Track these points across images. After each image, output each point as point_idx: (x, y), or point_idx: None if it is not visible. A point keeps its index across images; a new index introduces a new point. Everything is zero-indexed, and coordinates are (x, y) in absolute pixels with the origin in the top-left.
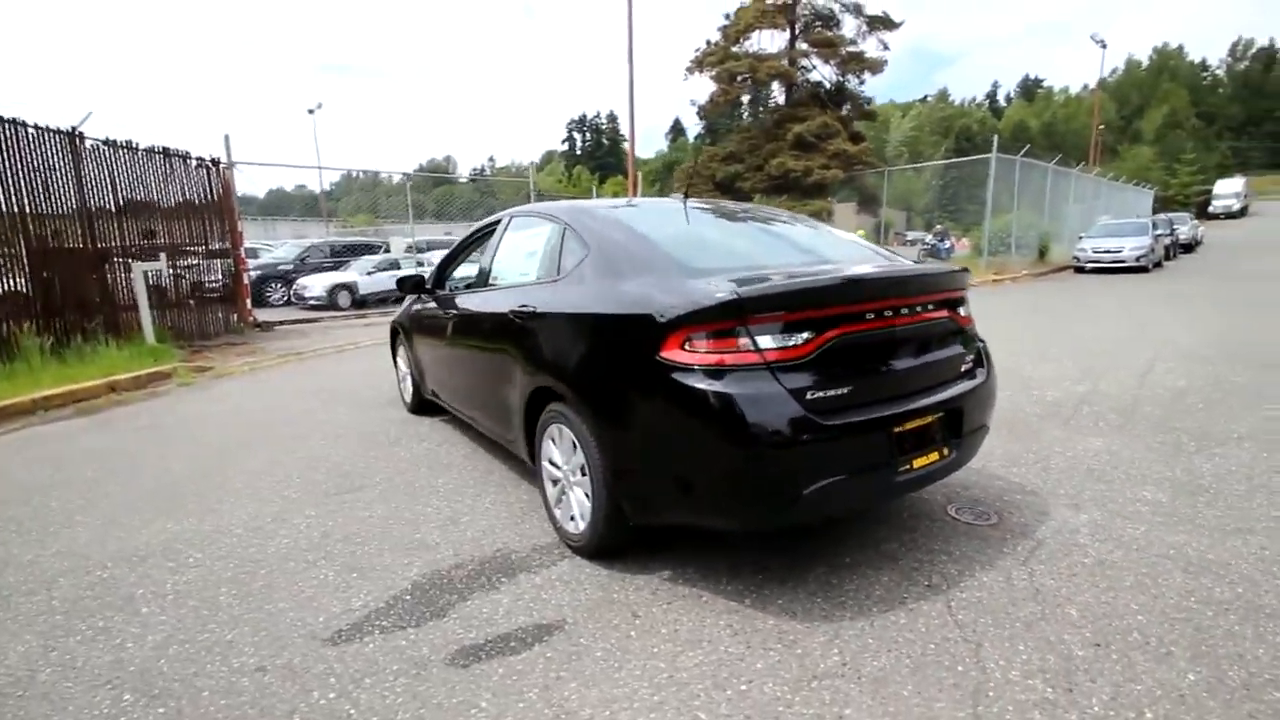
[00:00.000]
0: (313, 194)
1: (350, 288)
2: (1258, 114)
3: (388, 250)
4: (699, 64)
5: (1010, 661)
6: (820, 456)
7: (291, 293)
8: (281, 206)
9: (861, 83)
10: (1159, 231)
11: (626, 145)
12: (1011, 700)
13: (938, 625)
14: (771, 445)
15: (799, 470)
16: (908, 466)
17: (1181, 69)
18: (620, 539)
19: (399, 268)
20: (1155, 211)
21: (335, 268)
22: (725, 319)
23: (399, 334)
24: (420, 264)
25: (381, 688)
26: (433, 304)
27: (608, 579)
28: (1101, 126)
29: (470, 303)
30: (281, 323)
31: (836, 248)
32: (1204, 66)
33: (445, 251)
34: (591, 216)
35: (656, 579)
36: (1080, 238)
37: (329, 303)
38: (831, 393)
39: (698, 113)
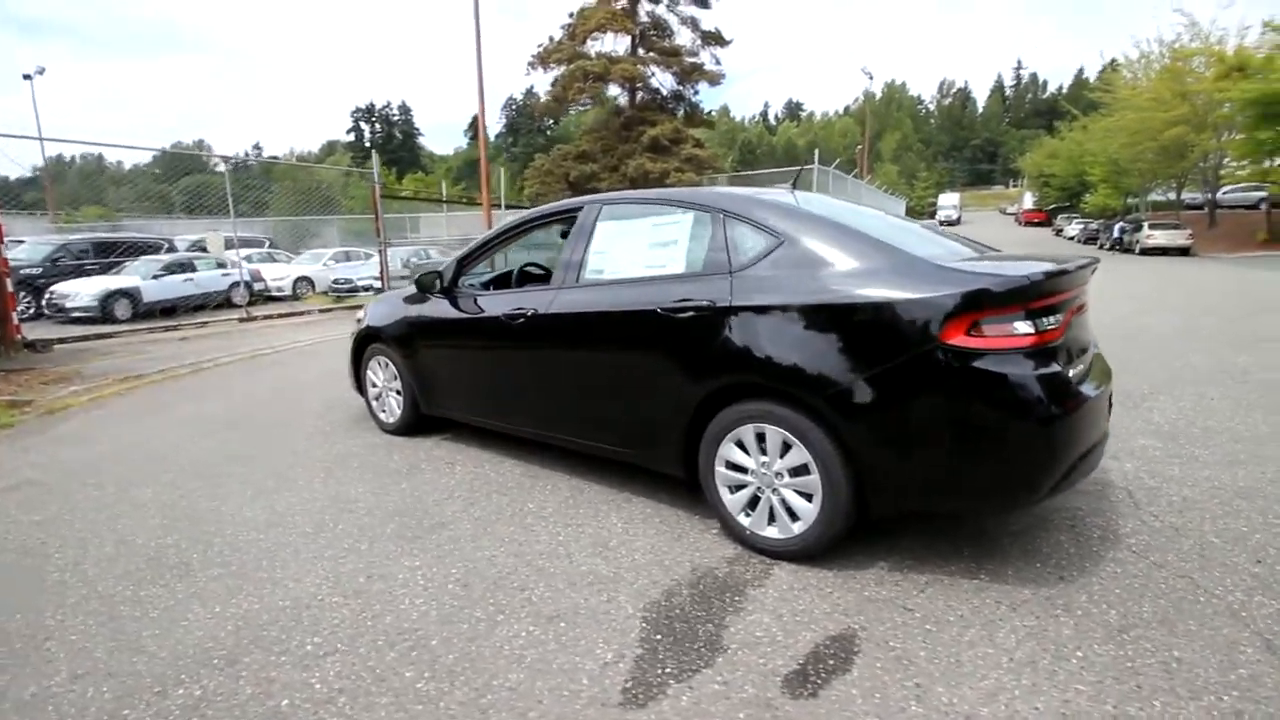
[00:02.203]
0: (3, 179)
1: (131, 295)
2: (959, 142)
3: (172, 249)
4: (542, 60)
5: (1225, 586)
6: (1084, 428)
7: (45, 303)
8: None
9: (696, 93)
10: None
11: (422, 139)
12: (1265, 615)
13: (1145, 567)
14: (1058, 420)
15: (1074, 442)
16: (1108, 431)
17: (905, 102)
18: (843, 536)
19: (194, 269)
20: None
21: (102, 271)
22: (1013, 304)
23: (373, 344)
24: (222, 264)
25: None
26: (448, 306)
27: (839, 579)
28: (860, 146)
29: (551, 303)
30: (61, 341)
31: (949, 235)
32: (919, 101)
33: (257, 250)
34: (760, 205)
35: (881, 571)
36: None
37: (103, 314)
38: (1076, 370)
39: (535, 110)
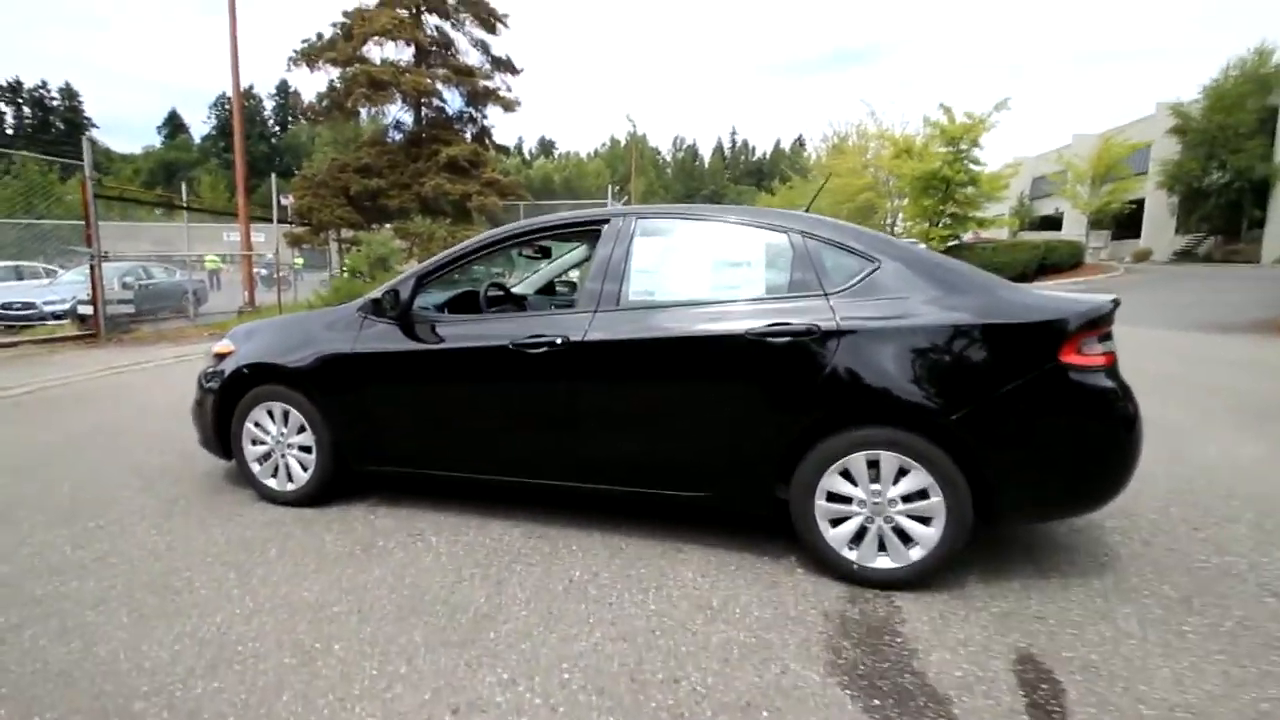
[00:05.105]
0: None
1: None
2: (691, 190)
3: None
4: (308, 58)
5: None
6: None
7: None
8: None
9: (485, 116)
10: None
11: (97, 133)
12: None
13: (1138, 548)
14: (1136, 423)
15: (1141, 442)
16: None
17: (646, 152)
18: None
19: None
20: None
21: None
22: (1104, 325)
23: (260, 387)
24: None
25: None
26: (406, 334)
27: (959, 601)
28: (617, 187)
29: (588, 328)
30: None
31: None
32: (658, 152)
33: None
34: (840, 228)
35: (977, 587)
36: None
37: None
38: None
39: (304, 112)
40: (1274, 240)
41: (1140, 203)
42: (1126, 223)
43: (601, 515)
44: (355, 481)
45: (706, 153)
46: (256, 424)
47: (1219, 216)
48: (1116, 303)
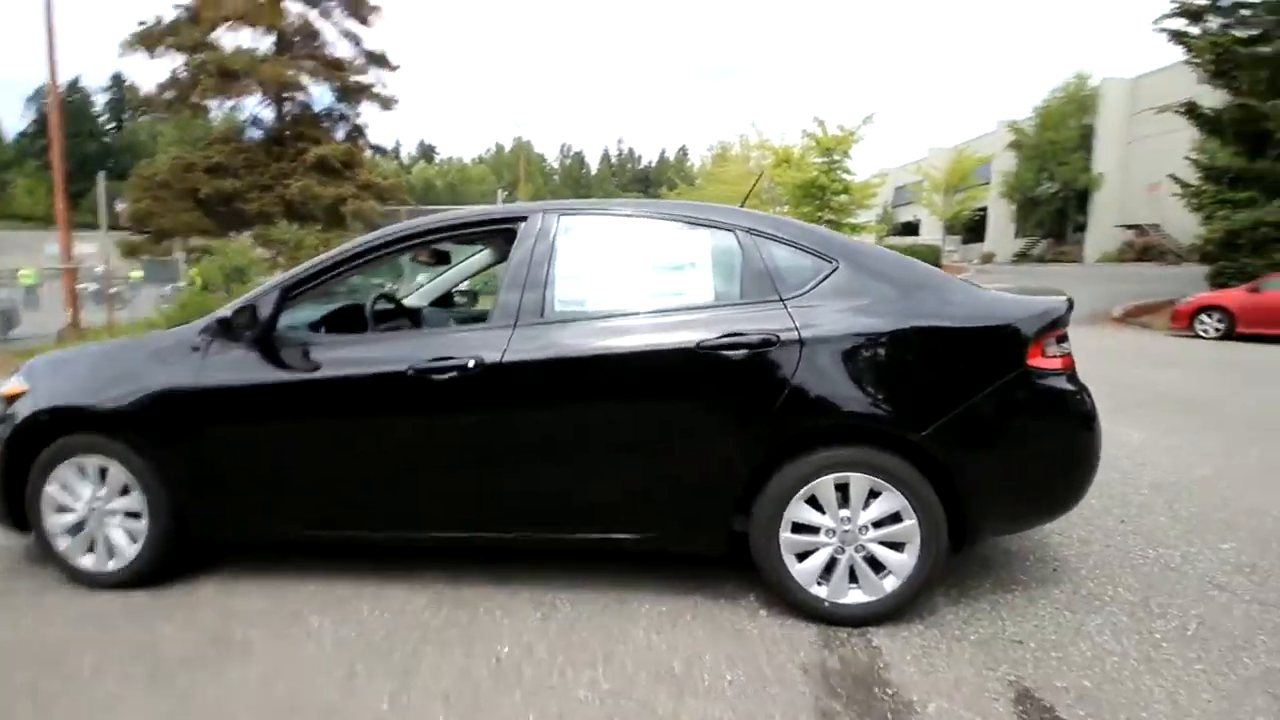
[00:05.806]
0: None
1: None
2: (580, 195)
3: None
4: (146, 42)
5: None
6: None
7: None
8: None
9: (359, 115)
10: None
11: None
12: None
13: (1105, 552)
14: (1098, 426)
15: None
16: None
17: (533, 158)
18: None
19: None
20: None
21: None
22: (1062, 326)
23: (67, 438)
24: None
25: None
26: (268, 361)
27: (934, 631)
28: (505, 192)
29: (506, 347)
30: None
31: None
32: (544, 159)
33: None
34: (793, 225)
35: (948, 609)
36: None
37: None
38: None
39: (143, 108)
40: (1094, 242)
41: (985, 210)
42: (974, 228)
43: (526, 565)
44: (207, 549)
45: (594, 160)
46: (62, 485)
47: (1049, 222)
48: (1071, 303)
